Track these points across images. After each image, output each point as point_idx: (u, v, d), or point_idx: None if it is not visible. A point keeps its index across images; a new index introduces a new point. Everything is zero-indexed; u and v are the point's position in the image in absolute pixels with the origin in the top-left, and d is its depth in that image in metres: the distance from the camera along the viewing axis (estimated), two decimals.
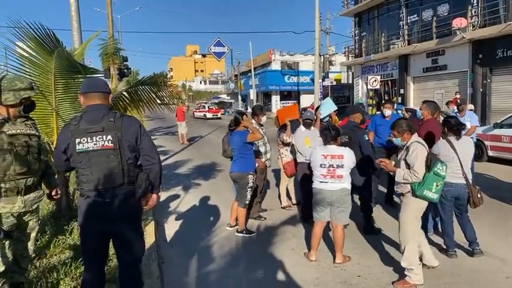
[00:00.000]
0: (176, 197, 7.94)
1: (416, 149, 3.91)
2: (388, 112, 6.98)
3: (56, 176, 3.55)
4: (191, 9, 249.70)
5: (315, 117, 6.51)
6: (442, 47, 19.83)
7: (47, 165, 3.32)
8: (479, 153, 10.77)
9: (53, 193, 3.40)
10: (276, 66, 43.37)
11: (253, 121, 6.16)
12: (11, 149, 2.93)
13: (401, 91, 23.12)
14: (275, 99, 42.96)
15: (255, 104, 29.35)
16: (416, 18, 22.14)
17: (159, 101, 6.01)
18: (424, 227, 5.37)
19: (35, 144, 3.11)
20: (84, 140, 2.81)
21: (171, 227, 6.09)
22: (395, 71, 23.93)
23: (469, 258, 4.65)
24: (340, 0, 29.33)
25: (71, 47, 7.16)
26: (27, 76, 4.73)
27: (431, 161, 3.87)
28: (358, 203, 5.71)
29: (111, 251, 3.41)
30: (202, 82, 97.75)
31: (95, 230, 2.91)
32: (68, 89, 5.27)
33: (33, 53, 4.93)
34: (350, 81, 33.21)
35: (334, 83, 33.63)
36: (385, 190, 6.94)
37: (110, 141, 2.83)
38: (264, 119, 6.41)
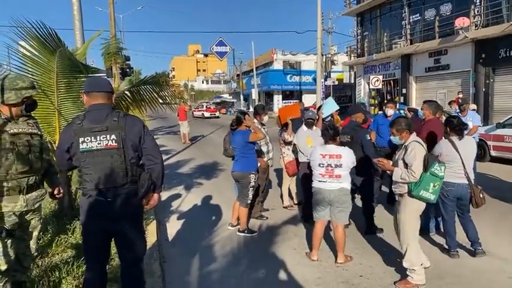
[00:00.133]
0: (178, 196, 7.95)
1: (415, 149, 3.89)
2: (390, 112, 6.96)
3: (58, 175, 3.56)
4: (193, 8, 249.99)
5: (317, 117, 6.50)
6: (445, 46, 19.77)
7: (49, 164, 3.32)
8: (482, 153, 10.75)
9: (55, 192, 3.40)
10: (278, 65, 43.35)
11: (255, 120, 6.16)
12: (12, 148, 2.94)
13: (404, 91, 23.07)
14: (277, 98, 42.95)
15: (257, 103, 29.36)
16: (419, 17, 22.10)
17: (161, 101, 6.02)
18: (426, 227, 5.39)
19: (36, 143, 3.12)
20: (88, 139, 2.82)
21: (173, 226, 6.10)
22: (397, 71, 23.89)
23: (471, 258, 4.64)
24: None
25: (73, 46, 7.16)
26: (30, 75, 4.74)
27: (428, 161, 3.84)
28: (360, 202, 5.70)
29: (113, 250, 3.42)
30: (204, 82, 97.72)
31: (97, 229, 2.92)
32: (70, 88, 5.28)
33: (36, 52, 4.94)
34: (352, 81, 33.17)
35: (336, 82, 33.61)
36: (387, 190, 6.92)
37: (113, 141, 2.83)
38: (266, 118, 6.41)
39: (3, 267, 2.95)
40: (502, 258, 4.61)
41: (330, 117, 7.00)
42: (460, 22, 17.63)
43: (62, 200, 5.34)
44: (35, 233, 3.27)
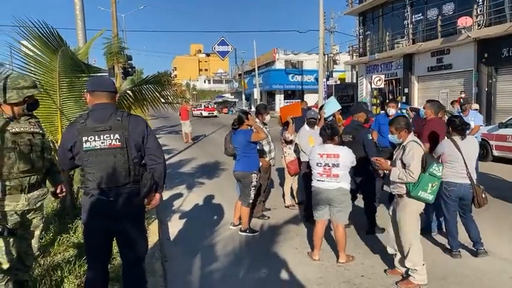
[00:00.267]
0: (180, 195, 7.96)
1: (413, 149, 3.87)
2: (392, 111, 6.95)
3: (60, 174, 3.56)
4: (195, 8, 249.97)
5: (319, 117, 6.50)
6: (447, 46, 19.73)
7: (51, 163, 3.33)
8: (485, 153, 10.73)
9: (58, 190, 3.40)
10: (280, 65, 43.34)
11: (257, 120, 6.16)
12: (14, 147, 2.94)
13: (406, 90, 23.04)
14: (279, 98, 42.94)
15: (258, 103, 29.36)
16: (421, 17, 22.06)
17: (163, 100, 6.03)
18: (428, 227, 5.38)
19: (38, 142, 3.12)
20: (91, 139, 2.82)
21: (175, 225, 6.11)
22: (399, 70, 23.85)
23: (473, 258, 4.63)
24: None
25: (75, 45, 7.17)
26: (32, 75, 4.76)
27: (426, 162, 3.83)
28: (362, 202, 5.69)
29: (115, 249, 3.42)
30: (206, 81, 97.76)
31: (99, 228, 2.92)
32: (72, 87, 5.29)
33: (38, 52, 4.96)
34: (354, 81, 33.13)
35: (338, 82, 33.53)
36: (389, 190, 6.90)
37: (117, 140, 2.84)
38: (267, 118, 6.41)
39: (6, 265, 2.96)
40: (504, 258, 4.60)
41: (331, 117, 6.99)
42: (463, 21, 17.59)
43: (64, 199, 5.34)
44: (37, 232, 3.27)
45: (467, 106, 8.17)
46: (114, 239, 3.08)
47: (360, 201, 5.77)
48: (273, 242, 5.32)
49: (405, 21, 23.10)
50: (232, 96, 57.51)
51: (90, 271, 3.07)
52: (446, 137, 4.77)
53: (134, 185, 2.90)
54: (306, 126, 6.30)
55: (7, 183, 2.94)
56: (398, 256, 4.14)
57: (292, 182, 7.02)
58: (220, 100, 54.46)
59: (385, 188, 6.91)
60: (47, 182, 3.38)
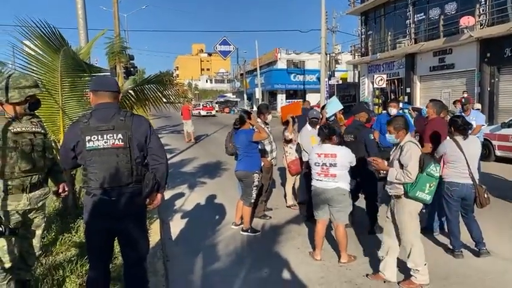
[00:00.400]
0: (181, 195, 7.96)
1: (411, 149, 3.85)
2: (393, 111, 6.94)
3: (63, 174, 3.57)
4: (197, 7, 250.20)
5: (321, 116, 6.49)
6: (450, 45, 19.68)
7: (53, 163, 3.33)
8: (487, 152, 10.70)
9: (60, 190, 3.41)
10: (281, 64, 43.32)
11: (259, 120, 6.16)
12: (15, 146, 2.95)
13: (408, 90, 23.00)
14: (281, 98, 42.92)
15: (260, 102, 29.38)
16: (424, 16, 22.00)
17: (165, 100, 6.03)
18: (430, 227, 5.37)
19: (39, 142, 3.12)
20: (94, 138, 2.81)
21: (176, 225, 6.11)
22: (401, 70, 23.81)
23: (476, 258, 4.61)
24: None
25: (77, 45, 7.19)
26: (34, 74, 4.76)
27: (424, 162, 3.81)
28: (364, 202, 5.69)
29: (116, 249, 3.42)
30: (208, 81, 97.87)
31: (101, 228, 2.92)
32: (74, 87, 5.30)
33: (40, 52, 4.97)
34: (356, 80, 33.06)
35: (340, 81, 33.51)
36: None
37: (120, 140, 2.84)
38: (269, 117, 6.41)
39: (8, 265, 2.96)
40: (506, 258, 4.59)
41: (333, 117, 6.99)
42: (465, 21, 17.55)
43: (66, 199, 5.36)
44: (39, 232, 3.28)
45: (469, 106, 8.14)
46: (116, 238, 3.08)
47: (361, 201, 5.77)
48: (274, 241, 5.32)
49: (407, 21, 23.05)
50: (234, 96, 57.53)
51: (91, 270, 3.07)
52: (448, 137, 4.76)
53: (136, 184, 2.90)
54: (308, 126, 6.30)
55: (9, 182, 2.95)
56: (385, 262, 4.11)
57: (294, 182, 7.01)
58: (222, 100, 54.50)
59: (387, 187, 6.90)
60: (49, 181, 3.39)
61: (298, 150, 6.53)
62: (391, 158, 4.12)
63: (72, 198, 5.57)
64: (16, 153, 2.95)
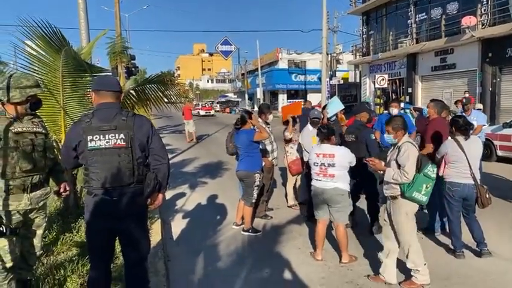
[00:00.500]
0: (183, 195, 7.97)
1: (408, 149, 3.84)
2: (394, 111, 6.93)
3: (64, 173, 3.57)
4: (199, 7, 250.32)
5: (322, 116, 6.49)
6: (451, 45, 19.65)
7: (54, 163, 3.33)
8: (488, 153, 10.68)
9: (61, 190, 3.41)
10: (283, 64, 43.32)
11: (260, 120, 6.16)
12: (16, 146, 2.95)
13: (409, 90, 22.96)
14: (282, 98, 42.90)
15: (261, 102, 29.38)
16: (425, 16, 21.97)
17: (166, 100, 6.03)
18: (432, 227, 5.36)
19: (40, 142, 3.13)
20: (96, 138, 2.81)
21: (178, 225, 6.11)
22: (403, 70, 23.77)
23: (477, 258, 4.60)
24: None
25: (78, 45, 7.20)
26: (35, 74, 4.77)
27: (421, 162, 3.80)
28: (365, 202, 5.68)
29: (117, 248, 3.43)
30: (210, 81, 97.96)
31: (102, 228, 2.92)
32: (75, 87, 5.31)
33: (41, 51, 4.98)
34: (357, 80, 33.03)
35: (342, 81, 33.50)
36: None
37: (122, 140, 2.84)
38: (270, 117, 6.41)
39: (9, 264, 2.97)
40: (507, 259, 4.58)
41: (334, 117, 6.98)
42: (467, 21, 17.51)
43: (67, 199, 5.36)
44: (40, 232, 3.28)
45: (470, 106, 8.13)
46: (117, 238, 3.08)
47: (362, 202, 5.76)
48: (275, 242, 5.32)
49: (409, 21, 23.02)
50: (235, 96, 57.53)
51: (92, 270, 3.07)
52: (449, 137, 4.75)
53: (138, 185, 2.90)
54: (309, 126, 6.30)
55: (10, 182, 2.95)
56: (384, 264, 4.10)
57: (294, 182, 7.01)
58: (223, 100, 54.52)
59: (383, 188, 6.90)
60: (51, 181, 3.39)
61: (299, 150, 6.52)
62: (388, 158, 4.12)
63: (74, 198, 5.57)
64: (17, 153, 2.95)
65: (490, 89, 17.76)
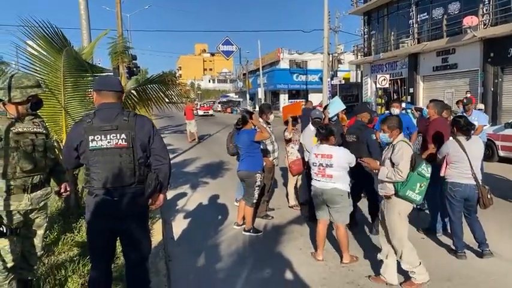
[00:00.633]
0: (184, 195, 7.97)
1: (402, 148, 3.85)
2: (396, 111, 6.92)
3: (65, 174, 3.57)
4: (200, 7, 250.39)
5: (324, 116, 6.48)
6: (453, 45, 19.63)
7: (55, 163, 3.34)
8: (490, 153, 10.66)
9: (62, 189, 3.41)
10: (284, 64, 43.33)
11: (261, 119, 6.16)
12: (17, 146, 2.96)
13: (411, 90, 22.95)
14: (283, 98, 42.92)
15: (263, 102, 29.37)
16: (427, 16, 21.96)
17: (167, 100, 6.03)
18: (433, 228, 5.35)
19: (41, 142, 3.13)
20: (97, 138, 2.81)
21: (179, 225, 6.11)
22: (404, 70, 23.76)
23: (479, 259, 4.59)
24: None
25: (79, 45, 7.20)
26: (37, 74, 4.78)
27: (415, 161, 3.80)
28: (366, 202, 5.67)
29: (118, 248, 3.43)
30: (211, 81, 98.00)
31: (103, 228, 2.92)
32: (76, 87, 5.31)
33: (43, 52, 4.99)
34: (359, 80, 33.03)
35: (343, 81, 33.51)
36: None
37: (123, 140, 2.83)
38: (271, 117, 6.41)
39: (10, 264, 2.97)
40: (509, 260, 4.57)
41: (336, 117, 6.97)
42: (469, 21, 17.49)
43: (69, 199, 5.37)
44: (41, 232, 3.28)
45: (471, 106, 8.12)
46: (118, 238, 3.08)
47: (363, 202, 5.75)
48: (276, 242, 5.31)
49: (410, 21, 23.00)
50: (237, 96, 57.52)
51: (93, 270, 3.07)
52: (451, 138, 4.74)
53: (139, 185, 2.89)
54: (310, 126, 6.29)
55: (11, 182, 2.95)
56: (385, 265, 4.09)
57: (295, 182, 7.00)
58: (224, 100, 54.52)
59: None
60: (52, 181, 3.39)
61: (301, 150, 6.52)
62: (383, 157, 4.12)
63: (75, 198, 5.58)
64: (17, 154, 2.95)
65: (492, 89, 17.74)
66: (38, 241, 3.26)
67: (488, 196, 4.51)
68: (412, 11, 22.80)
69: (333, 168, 4.43)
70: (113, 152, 2.82)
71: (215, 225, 6.05)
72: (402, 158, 3.79)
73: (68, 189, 3.46)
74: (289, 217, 6.37)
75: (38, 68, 5.00)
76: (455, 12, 19.82)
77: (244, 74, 51.78)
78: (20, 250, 3.05)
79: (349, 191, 4.55)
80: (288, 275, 4.36)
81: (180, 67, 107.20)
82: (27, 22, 4.62)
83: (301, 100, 36.78)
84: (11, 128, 2.95)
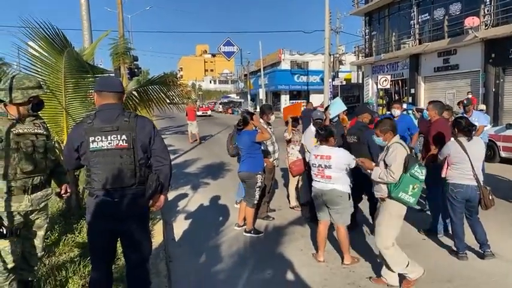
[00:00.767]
0: (185, 196, 7.97)
1: (396, 150, 3.85)
2: (397, 112, 6.91)
3: (66, 175, 3.57)
4: (201, 8, 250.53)
5: (325, 117, 6.48)
6: (454, 46, 19.61)
7: (56, 164, 3.34)
8: (492, 154, 10.63)
9: (63, 191, 3.41)
10: (285, 65, 43.31)
11: (262, 120, 6.16)
12: (17, 148, 2.96)
13: (412, 91, 22.93)
14: (284, 98, 42.89)
15: (264, 103, 29.38)
16: (428, 17, 21.94)
17: (168, 101, 6.04)
18: (434, 229, 5.34)
19: (41, 143, 3.13)
20: (98, 139, 2.81)
21: (180, 226, 6.11)
22: (405, 71, 23.74)
23: (480, 260, 4.58)
24: None
25: (80, 46, 7.21)
26: (38, 75, 4.79)
27: (408, 162, 3.79)
28: (367, 203, 5.66)
29: (119, 249, 3.43)
30: (212, 81, 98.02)
31: (104, 229, 2.91)
32: (77, 88, 5.32)
33: (44, 53, 5.00)
34: (360, 81, 33.03)
35: (344, 82, 33.46)
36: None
37: (124, 141, 2.83)
38: (272, 118, 6.41)
39: (10, 265, 2.97)
40: (510, 261, 4.55)
41: (337, 118, 6.96)
42: (470, 22, 17.47)
43: (70, 200, 5.37)
44: (42, 233, 3.28)
45: (471, 107, 8.10)
46: (119, 239, 3.08)
47: (365, 203, 5.74)
48: (277, 243, 5.31)
49: (411, 22, 22.99)
50: (238, 97, 57.53)
51: (94, 272, 3.07)
52: (452, 138, 4.73)
53: (139, 186, 2.89)
54: (312, 127, 6.28)
55: (12, 183, 2.96)
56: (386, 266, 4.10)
57: (297, 183, 6.99)
58: (225, 101, 54.53)
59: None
60: (53, 182, 3.40)
61: (302, 150, 6.51)
62: (379, 159, 4.13)
63: (76, 199, 5.58)
64: (18, 155, 2.96)
65: (493, 89, 17.71)
66: (38, 242, 3.26)
67: (490, 197, 4.50)
68: (414, 11, 22.78)
69: (332, 169, 4.42)
70: (113, 153, 2.82)
71: (216, 226, 6.05)
72: (395, 160, 3.80)
73: (69, 190, 3.46)
74: (290, 218, 6.36)
75: (39, 69, 5.01)
76: (457, 13, 19.81)
77: (245, 75, 51.77)
78: (20, 251, 3.06)
79: (349, 192, 4.53)
80: (289, 276, 4.36)
81: (181, 68, 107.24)
82: (28, 23, 4.63)
83: (301, 101, 36.84)
84: (12, 129, 2.96)
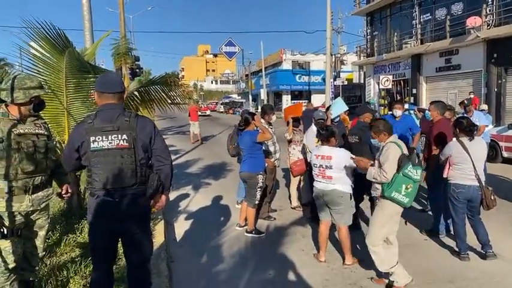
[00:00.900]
0: (186, 196, 7.97)
1: (389, 149, 3.84)
2: (398, 112, 6.90)
3: (67, 175, 3.57)
4: (202, 8, 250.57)
5: (326, 117, 6.47)
6: (456, 46, 19.57)
7: (57, 164, 3.34)
8: (494, 154, 10.60)
9: (63, 191, 3.41)
10: (287, 65, 43.30)
11: (263, 120, 6.15)
12: (18, 148, 2.96)
13: (414, 91, 22.90)
14: (286, 98, 42.86)
15: (264, 103, 29.37)
16: (430, 17, 21.90)
17: (169, 101, 6.04)
18: (436, 229, 5.33)
19: (42, 143, 3.13)
20: (99, 139, 2.81)
21: (181, 226, 6.11)
22: (407, 71, 23.71)
23: (482, 261, 4.57)
24: None
25: (82, 47, 7.22)
26: (39, 75, 4.80)
27: (402, 162, 3.77)
28: (369, 204, 5.65)
29: (120, 250, 3.43)
30: (214, 82, 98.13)
31: (105, 229, 2.91)
32: (79, 88, 5.32)
33: (45, 53, 5.00)
34: (362, 81, 33.00)
35: (346, 82, 33.42)
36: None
37: (125, 141, 2.83)
38: (273, 118, 6.40)
39: (12, 265, 2.98)
40: (511, 261, 4.55)
41: (338, 118, 6.95)
42: (472, 21, 17.44)
43: (71, 200, 5.38)
44: (43, 233, 3.29)
45: (471, 107, 8.09)
46: (120, 239, 3.08)
47: (366, 203, 5.73)
48: (279, 243, 5.31)
49: (413, 21, 22.94)
50: (239, 97, 57.52)
51: (95, 272, 3.07)
52: (454, 139, 4.72)
53: (140, 186, 2.89)
54: (313, 127, 6.27)
55: (13, 183, 2.96)
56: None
57: (298, 183, 6.99)
58: (227, 101, 54.55)
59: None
60: (54, 182, 3.40)
61: (303, 151, 6.51)
62: (375, 158, 4.13)
63: (77, 199, 5.59)
64: (19, 155, 2.96)
65: (496, 89, 17.67)
66: (39, 242, 3.26)
67: (492, 197, 4.49)
68: (415, 11, 22.74)
69: (332, 169, 4.42)
70: (114, 153, 2.81)
71: (217, 226, 6.05)
72: (388, 159, 3.80)
73: (70, 190, 3.46)
74: (292, 218, 6.36)
75: (40, 69, 5.02)
76: (459, 13, 19.76)
77: (246, 75, 51.76)
78: (21, 251, 3.06)
79: (350, 192, 4.52)
80: (291, 276, 4.35)
81: (183, 68, 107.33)
82: (29, 24, 4.64)
83: (303, 101, 36.79)
84: (13, 129, 2.96)
